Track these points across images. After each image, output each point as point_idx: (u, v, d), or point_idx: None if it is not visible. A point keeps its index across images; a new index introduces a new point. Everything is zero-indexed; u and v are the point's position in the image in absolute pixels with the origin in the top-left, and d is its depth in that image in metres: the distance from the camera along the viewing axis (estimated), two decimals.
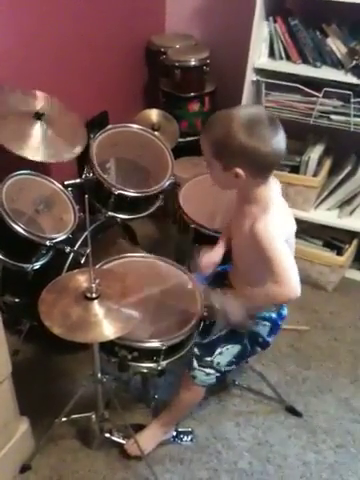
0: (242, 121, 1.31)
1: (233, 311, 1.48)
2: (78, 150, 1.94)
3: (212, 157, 1.39)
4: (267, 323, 1.63)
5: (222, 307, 1.50)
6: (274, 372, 2.11)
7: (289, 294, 1.36)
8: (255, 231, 1.38)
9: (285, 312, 1.68)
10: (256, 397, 2.02)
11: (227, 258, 1.71)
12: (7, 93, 1.87)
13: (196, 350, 1.64)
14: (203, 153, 1.45)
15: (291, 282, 1.34)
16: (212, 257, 1.69)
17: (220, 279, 1.76)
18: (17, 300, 2.00)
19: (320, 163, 2.39)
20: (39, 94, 1.94)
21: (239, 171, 1.36)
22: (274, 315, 1.63)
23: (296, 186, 2.36)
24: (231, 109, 1.37)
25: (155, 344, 1.53)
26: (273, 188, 1.46)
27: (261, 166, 1.36)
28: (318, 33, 2.16)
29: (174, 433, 1.84)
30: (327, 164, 2.43)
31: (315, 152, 2.37)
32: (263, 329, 1.63)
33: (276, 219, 1.39)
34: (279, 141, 1.33)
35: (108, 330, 1.31)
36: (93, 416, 1.70)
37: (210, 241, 1.77)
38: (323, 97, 2.17)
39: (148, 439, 1.77)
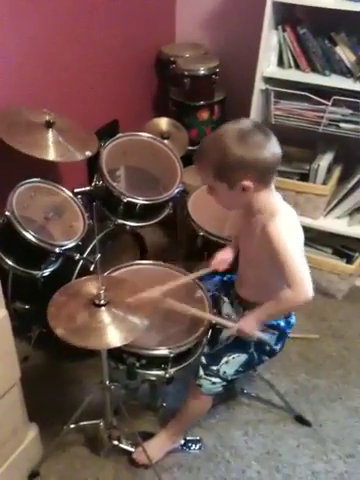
0: (233, 136, 1.33)
1: (247, 327, 1.49)
2: (89, 153, 1.95)
3: (215, 181, 1.40)
4: (275, 331, 1.63)
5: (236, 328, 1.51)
6: (283, 381, 2.10)
7: (302, 297, 1.36)
8: (267, 235, 1.39)
9: (293, 320, 1.67)
10: (265, 406, 2.01)
11: (231, 268, 1.72)
12: (19, 108, 1.90)
13: (202, 359, 1.63)
14: (203, 181, 1.46)
15: (304, 285, 1.36)
16: (225, 254, 1.71)
17: (227, 288, 1.77)
18: (27, 307, 2.01)
19: (329, 171, 2.39)
20: (50, 111, 1.95)
21: (246, 183, 1.36)
22: (282, 323, 1.63)
23: (305, 194, 2.35)
24: (217, 131, 1.40)
25: (163, 352, 1.54)
26: (276, 195, 1.47)
27: (264, 172, 1.37)
28: (327, 42, 2.17)
29: (182, 441, 1.83)
30: (337, 172, 2.43)
31: (324, 160, 2.36)
32: (271, 337, 1.63)
33: (286, 222, 1.41)
34: (274, 143, 1.36)
35: (110, 338, 1.32)
36: (101, 423, 1.70)
37: (219, 249, 1.77)
38: (332, 105, 2.17)
39: (156, 448, 1.77)
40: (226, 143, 1.33)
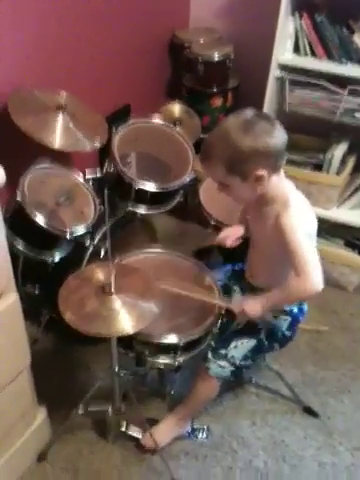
0: (238, 128, 1.32)
1: (252, 310, 1.48)
2: (98, 144, 1.94)
3: (227, 176, 1.38)
4: (288, 317, 1.62)
5: (241, 309, 1.50)
6: (292, 372, 2.09)
7: (310, 288, 1.35)
8: (280, 226, 1.38)
9: (306, 307, 1.66)
10: (273, 396, 2.01)
11: (242, 257, 1.71)
12: (32, 90, 1.88)
13: (212, 341, 1.64)
14: (214, 180, 1.45)
15: (312, 276, 1.34)
16: (233, 230, 1.70)
17: (238, 277, 1.75)
18: (37, 291, 2.02)
19: (343, 161, 2.36)
20: (61, 92, 1.95)
21: (259, 172, 1.35)
22: (295, 309, 1.62)
23: (318, 184, 2.32)
24: (219, 127, 1.38)
25: (173, 340, 1.53)
26: (287, 183, 1.47)
27: (275, 157, 1.37)
28: (344, 29, 2.13)
29: (189, 429, 1.84)
30: (351, 162, 2.39)
31: (339, 150, 2.33)
32: (283, 323, 1.62)
33: (299, 212, 1.41)
34: (279, 128, 1.35)
35: (118, 326, 1.31)
36: (110, 409, 1.71)
37: None
38: (348, 94, 2.14)
39: (163, 432, 1.77)
40: (233, 136, 1.32)
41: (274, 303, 1.50)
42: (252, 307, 1.48)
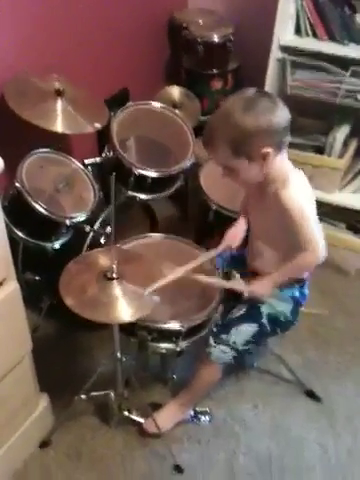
0: (241, 108, 1.31)
1: (261, 290, 1.53)
2: (99, 125, 1.91)
3: (233, 158, 1.37)
4: (291, 302, 1.62)
5: (250, 290, 1.53)
6: (293, 355, 2.09)
7: (319, 258, 1.43)
8: (281, 204, 1.39)
9: (307, 291, 1.66)
10: (275, 380, 2.01)
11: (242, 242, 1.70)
12: (28, 75, 1.85)
13: (213, 327, 1.64)
14: (219, 164, 1.43)
15: (319, 246, 1.41)
16: (236, 230, 1.69)
17: (237, 263, 1.75)
18: (37, 278, 2.01)
19: (346, 144, 2.33)
20: (59, 77, 1.92)
21: (266, 150, 1.34)
22: (297, 293, 1.62)
23: (320, 168, 2.30)
24: (221, 109, 1.38)
25: (175, 326, 1.53)
26: (288, 164, 1.46)
27: (280, 134, 1.36)
28: (347, 9, 2.09)
29: (192, 413, 1.85)
30: (353, 145, 2.36)
31: (341, 133, 2.30)
32: (286, 308, 1.62)
33: (299, 188, 1.42)
34: (281, 105, 1.35)
35: (119, 313, 1.30)
36: (112, 394, 1.71)
37: (231, 222, 1.74)
38: (350, 76, 2.10)
39: (166, 417, 1.78)
40: (236, 117, 1.30)
41: (282, 280, 1.54)
42: (260, 288, 1.52)
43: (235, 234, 1.68)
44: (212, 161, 1.48)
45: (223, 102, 1.38)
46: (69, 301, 1.31)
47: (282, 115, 1.34)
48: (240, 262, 1.73)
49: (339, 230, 2.45)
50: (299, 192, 1.41)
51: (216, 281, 1.63)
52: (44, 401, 1.72)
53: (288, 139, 1.40)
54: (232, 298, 1.63)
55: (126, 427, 1.81)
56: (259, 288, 1.53)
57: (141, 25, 2.55)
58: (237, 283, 1.60)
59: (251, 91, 1.35)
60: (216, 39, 2.51)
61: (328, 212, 2.36)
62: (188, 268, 1.55)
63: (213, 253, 1.66)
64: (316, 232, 1.41)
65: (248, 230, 1.67)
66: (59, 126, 1.80)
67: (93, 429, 1.82)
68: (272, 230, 1.51)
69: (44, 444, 1.76)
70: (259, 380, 2.02)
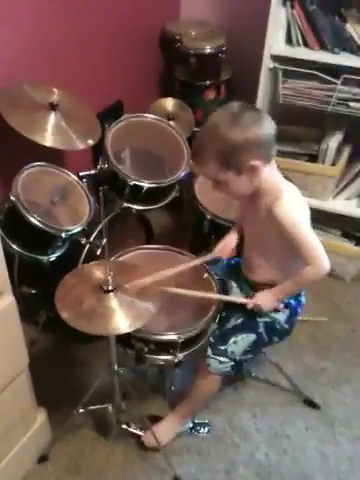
0: (227, 122, 1.32)
1: (266, 304, 1.54)
2: (91, 141, 1.93)
3: (221, 171, 1.37)
4: (286, 310, 1.62)
5: (255, 304, 1.54)
6: (291, 363, 2.09)
7: (323, 271, 1.43)
8: (275, 218, 1.39)
9: (304, 299, 1.67)
10: (273, 388, 2.01)
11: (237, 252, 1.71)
12: (22, 86, 1.86)
13: (210, 338, 1.63)
14: (208, 177, 1.44)
15: (322, 260, 1.42)
16: (229, 240, 1.69)
17: (234, 272, 1.75)
18: (33, 291, 2.01)
19: (339, 151, 2.35)
20: (54, 89, 1.94)
21: (254, 163, 1.35)
22: (293, 302, 1.62)
23: (314, 175, 2.31)
24: (207, 124, 1.38)
25: (172, 337, 1.53)
26: (277, 173, 1.47)
27: (267, 146, 1.37)
28: (337, 18, 2.11)
29: (191, 425, 1.84)
30: (346, 152, 2.38)
31: (334, 140, 2.32)
32: (281, 315, 1.62)
33: (292, 200, 1.43)
34: (267, 117, 1.37)
35: (115, 325, 1.30)
36: (110, 407, 1.71)
37: (226, 231, 1.75)
38: (342, 84, 2.12)
39: (165, 430, 1.77)
40: (223, 130, 1.32)
41: (287, 293, 1.56)
42: (265, 300, 1.53)
43: (226, 244, 1.68)
44: (201, 175, 1.48)
45: (209, 116, 1.39)
46: (65, 315, 1.31)
47: (268, 127, 1.35)
48: (237, 271, 1.73)
49: (334, 237, 2.46)
50: (293, 206, 1.41)
51: (215, 296, 1.63)
52: (42, 415, 1.70)
53: (275, 151, 1.41)
54: (227, 308, 1.64)
55: (125, 440, 1.80)
56: (263, 301, 1.54)
57: (134, 37, 2.57)
58: (236, 297, 1.62)
59: (237, 104, 1.36)
60: (208, 50, 2.53)
61: (322, 219, 2.38)
62: (176, 271, 1.56)
63: (197, 262, 1.66)
64: (317, 245, 1.42)
65: (242, 240, 1.68)
66: (50, 140, 1.81)
67: (92, 442, 1.81)
68: (266, 241, 1.51)
69: (42, 459, 1.74)
70: (257, 389, 2.01)
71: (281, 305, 1.59)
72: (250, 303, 1.54)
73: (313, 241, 1.41)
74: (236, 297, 1.64)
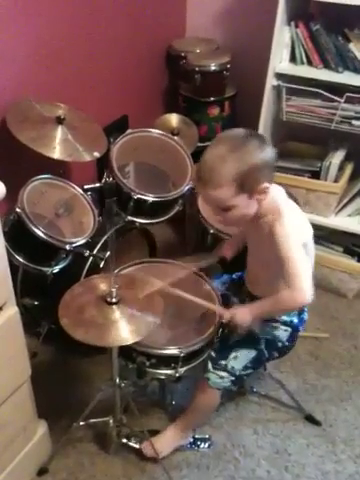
0: (239, 146, 1.32)
1: (241, 318, 1.49)
2: (97, 154, 1.95)
3: (236, 195, 1.35)
4: (288, 328, 1.62)
5: (230, 316, 1.51)
6: (293, 380, 2.08)
7: (299, 299, 1.37)
8: (273, 237, 1.39)
9: (306, 316, 1.66)
10: (274, 405, 2.00)
11: (241, 265, 1.71)
12: (30, 100, 1.89)
13: (211, 352, 1.63)
14: (218, 205, 1.40)
15: (302, 287, 1.35)
16: (232, 242, 1.72)
17: (236, 287, 1.75)
18: (36, 303, 2.01)
19: (341, 168, 2.36)
20: (61, 104, 1.98)
21: (265, 185, 1.36)
22: (295, 320, 1.62)
23: (316, 192, 2.33)
24: (215, 150, 1.35)
25: (173, 351, 1.53)
26: (278, 193, 1.47)
27: (272, 169, 1.39)
28: (340, 38, 2.14)
29: (191, 439, 1.83)
30: (348, 169, 2.40)
31: (336, 157, 2.34)
32: (283, 334, 1.62)
33: (292, 220, 1.42)
34: (265, 139, 1.39)
35: (110, 338, 1.31)
36: (111, 421, 1.70)
37: None
38: (345, 102, 2.15)
39: (164, 442, 1.76)
40: (240, 153, 1.31)
41: (264, 312, 1.51)
42: (242, 315, 1.48)
43: (228, 246, 1.71)
44: (207, 202, 1.45)
45: (216, 142, 1.38)
46: (64, 321, 1.31)
47: (272, 149, 1.37)
48: (240, 286, 1.73)
49: (336, 253, 2.46)
50: (292, 227, 1.40)
51: (194, 299, 1.56)
52: (42, 428, 1.70)
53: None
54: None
55: (125, 454, 1.79)
56: (239, 315, 1.49)
57: (140, 54, 2.61)
58: (216, 306, 1.60)
59: (241, 129, 1.38)
60: (213, 68, 2.57)
61: (325, 236, 2.39)
62: (171, 280, 1.56)
63: (202, 264, 1.68)
64: (303, 272, 1.36)
65: (246, 251, 1.68)
66: (58, 153, 1.84)
67: (92, 456, 1.80)
68: (269, 257, 1.49)
69: (42, 471, 1.74)
70: (258, 405, 2.00)
71: (256, 327, 1.56)
72: (227, 314, 1.51)
73: (301, 268, 1.36)
74: (217, 306, 1.60)
